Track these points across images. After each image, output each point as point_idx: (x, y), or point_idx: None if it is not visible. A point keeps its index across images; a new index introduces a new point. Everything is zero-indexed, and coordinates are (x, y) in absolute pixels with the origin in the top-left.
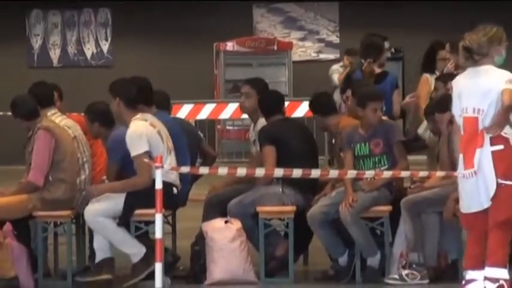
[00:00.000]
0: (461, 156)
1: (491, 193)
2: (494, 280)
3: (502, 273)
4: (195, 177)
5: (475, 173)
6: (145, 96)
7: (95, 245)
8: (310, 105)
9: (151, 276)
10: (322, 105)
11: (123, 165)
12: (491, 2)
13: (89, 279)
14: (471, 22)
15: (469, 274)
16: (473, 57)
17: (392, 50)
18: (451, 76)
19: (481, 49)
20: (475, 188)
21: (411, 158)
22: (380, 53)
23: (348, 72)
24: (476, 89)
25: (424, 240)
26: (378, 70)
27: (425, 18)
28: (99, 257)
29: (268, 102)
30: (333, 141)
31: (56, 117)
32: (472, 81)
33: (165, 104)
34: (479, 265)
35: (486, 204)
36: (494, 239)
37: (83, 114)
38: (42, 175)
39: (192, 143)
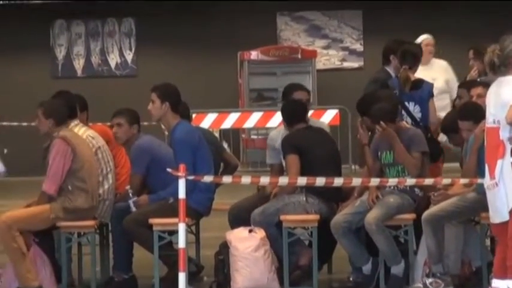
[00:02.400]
0: (486, 166)
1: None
2: None
3: None
4: (216, 186)
5: (497, 184)
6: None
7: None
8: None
9: (175, 285)
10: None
11: (148, 175)
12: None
13: None
14: (498, 28)
15: (495, 282)
16: (500, 68)
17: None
18: (474, 83)
19: (506, 60)
20: (497, 199)
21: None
22: (416, 61)
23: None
24: (497, 100)
25: (448, 250)
26: (413, 77)
27: (450, 24)
28: None
29: (291, 111)
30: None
31: (79, 128)
32: (494, 90)
33: (185, 113)
34: (505, 274)
35: (507, 216)
36: None
37: (108, 124)
38: (55, 184)
39: (214, 152)
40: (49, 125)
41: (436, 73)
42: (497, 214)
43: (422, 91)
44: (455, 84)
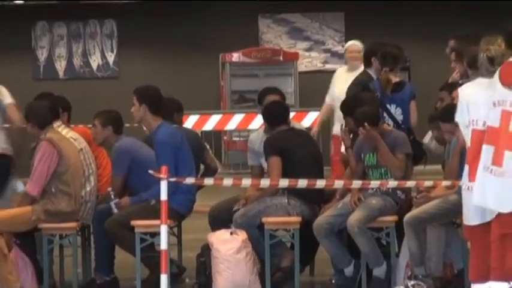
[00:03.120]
0: (467, 167)
1: None
2: None
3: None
4: (197, 188)
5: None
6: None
7: None
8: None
9: (156, 286)
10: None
11: (129, 176)
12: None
13: None
14: (475, 32)
15: (474, 286)
16: (491, 68)
17: (408, 60)
18: (456, 85)
19: (501, 59)
20: None
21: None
22: (396, 63)
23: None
24: (489, 102)
25: (430, 252)
26: (395, 79)
27: (430, 28)
28: None
29: (273, 112)
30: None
31: (61, 130)
32: (486, 93)
33: (175, 108)
34: (483, 278)
35: (489, 217)
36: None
37: (90, 126)
38: (38, 186)
39: (196, 153)
40: (31, 128)
41: None
42: (476, 215)
43: (403, 93)
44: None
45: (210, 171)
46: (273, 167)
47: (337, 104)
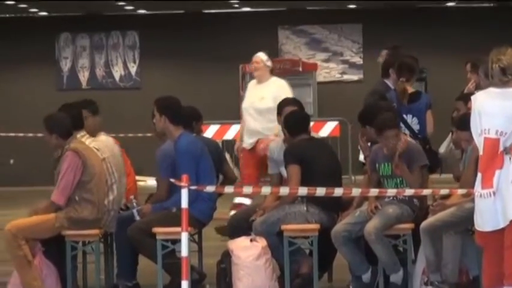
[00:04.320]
0: (479, 175)
1: None
2: None
3: None
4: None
5: (494, 193)
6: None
7: None
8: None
9: None
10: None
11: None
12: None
13: None
14: (492, 43)
15: None
16: (505, 79)
17: (425, 71)
18: (471, 96)
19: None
20: (492, 207)
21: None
22: (412, 74)
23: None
24: (502, 112)
25: (446, 259)
26: (410, 89)
27: (447, 39)
28: None
29: (295, 121)
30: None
31: (85, 139)
32: (498, 102)
33: (193, 117)
34: (497, 284)
35: (503, 224)
36: None
37: (113, 135)
38: (64, 195)
39: (215, 162)
40: (54, 139)
41: (267, 92)
42: (489, 222)
43: (420, 103)
44: None
45: (228, 181)
46: (292, 175)
47: (245, 117)
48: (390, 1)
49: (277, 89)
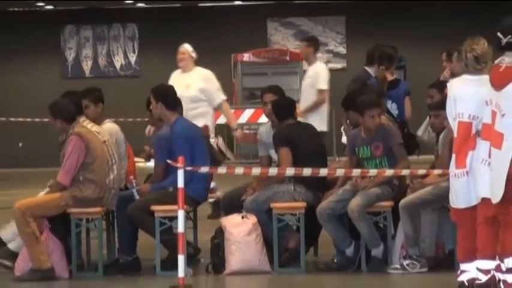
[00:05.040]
0: (454, 156)
1: (501, 191)
2: (486, 272)
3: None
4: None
5: (467, 173)
6: (166, 102)
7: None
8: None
9: (174, 266)
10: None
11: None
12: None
13: None
14: (467, 33)
15: (463, 266)
16: (478, 67)
17: (404, 60)
18: (445, 83)
19: (486, 58)
20: (465, 186)
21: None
22: (392, 62)
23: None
24: (475, 97)
25: (424, 235)
26: (390, 77)
27: (425, 30)
28: None
29: (282, 107)
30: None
31: (86, 124)
32: (472, 89)
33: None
34: (470, 257)
35: (475, 201)
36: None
37: (114, 120)
38: (68, 176)
39: None
40: (59, 124)
41: (192, 81)
42: (463, 199)
43: (398, 90)
44: (214, 93)
45: (214, 164)
46: (283, 157)
47: None
48: None
49: (204, 80)
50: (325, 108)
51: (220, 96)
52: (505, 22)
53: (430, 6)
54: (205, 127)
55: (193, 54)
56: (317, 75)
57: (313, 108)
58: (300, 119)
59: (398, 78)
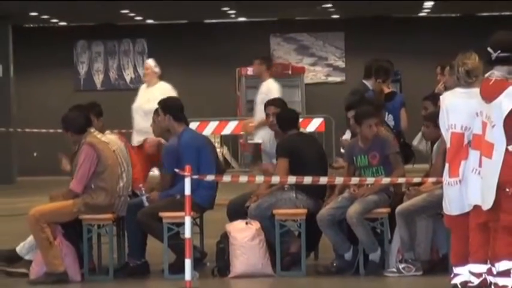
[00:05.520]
0: (447, 165)
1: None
2: (478, 275)
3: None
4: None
5: (460, 181)
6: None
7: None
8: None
9: (182, 269)
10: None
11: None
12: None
13: None
14: (458, 48)
15: (456, 269)
16: (469, 80)
17: (399, 74)
18: (438, 96)
19: (477, 72)
20: (458, 194)
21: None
22: (388, 75)
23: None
24: (467, 109)
25: (419, 239)
26: (387, 90)
27: (420, 45)
28: None
29: (286, 119)
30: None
31: (96, 134)
32: (463, 101)
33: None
34: (463, 261)
35: (467, 208)
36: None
37: (124, 131)
38: (81, 184)
39: None
40: (70, 136)
41: (152, 95)
42: (457, 207)
43: (394, 102)
44: None
45: (218, 172)
46: (280, 167)
47: (135, 117)
48: (369, 12)
49: (162, 95)
50: None
51: None
52: (494, 38)
53: (424, 23)
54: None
55: (157, 70)
56: (268, 91)
57: (263, 124)
58: (302, 130)
59: (395, 91)
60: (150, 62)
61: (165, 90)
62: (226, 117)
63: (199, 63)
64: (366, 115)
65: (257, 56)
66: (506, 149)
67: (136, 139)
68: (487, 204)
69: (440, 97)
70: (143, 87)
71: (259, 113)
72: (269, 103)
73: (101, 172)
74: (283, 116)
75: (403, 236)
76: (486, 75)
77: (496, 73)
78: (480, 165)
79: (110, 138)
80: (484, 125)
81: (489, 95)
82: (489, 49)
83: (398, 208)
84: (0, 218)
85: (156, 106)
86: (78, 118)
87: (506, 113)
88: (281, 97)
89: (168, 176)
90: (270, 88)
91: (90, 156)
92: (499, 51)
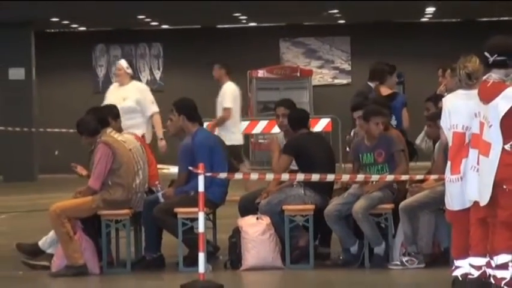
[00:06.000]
0: (449, 163)
1: (488, 195)
2: (477, 267)
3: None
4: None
5: (461, 178)
6: (187, 114)
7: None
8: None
9: (195, 262)
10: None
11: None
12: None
13: None
14: (459, 52)
15: (457, 262)
16: (470, 82)
17: (403, 76)
18: (441, 97)
19: (477, 74)
20: (459, 190)
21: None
22: (383, 76)
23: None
24: (468, 110)
25: (422, 234)
26: (388, 91)
27: (422, 48)
28: None
29: (297, 118)
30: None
31: (113, 134)
32: (464, 102)
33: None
34: (463, 254)
35: (468, 204)
36: (501, 236)
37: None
38: (98, 181)
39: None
40: (85, 139)
41: (129, 93)
42: (458, 202)
43: (396, 102)
44: (148, 105)
45: (232, 170)
46: (282, 163)
47: None
48: (373, 17)
49: (139, 92)
50: (234, 124)
51: (153, 109)
52: (491, 42)
53: (426, 28)
54: (143, 136)
55: (129, 71)
56: (224, 94)
57: (218, 124)
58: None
59: (396, 92)
60: (123, 63)
61: (140, 88)
62: None
63: (212, 66)
64: (373, 113)
65: (217, 62)
66: (503, 148)
67: None
68: (484, 200)
69: (443, 99)
70: (114, 86)
71: (218, 113)
72: (279, 104)
73: (116, 169)
74: (294, 116)
75: (406, 231)
76: (484, 77)
77: (494, 76)
78: (478, 163)
79: (127, 138)
80: (482, 125)
81: (487, 97)
82: (486, 53)
83: (402, 204)
84: (22, 214)
85: (134, 104)
86: (90, 122)
87: (502, 114)
88: (285, 99)
89: (183, 173)
90: (225, 90)
91: (106, 154)
92: (495, 55)
